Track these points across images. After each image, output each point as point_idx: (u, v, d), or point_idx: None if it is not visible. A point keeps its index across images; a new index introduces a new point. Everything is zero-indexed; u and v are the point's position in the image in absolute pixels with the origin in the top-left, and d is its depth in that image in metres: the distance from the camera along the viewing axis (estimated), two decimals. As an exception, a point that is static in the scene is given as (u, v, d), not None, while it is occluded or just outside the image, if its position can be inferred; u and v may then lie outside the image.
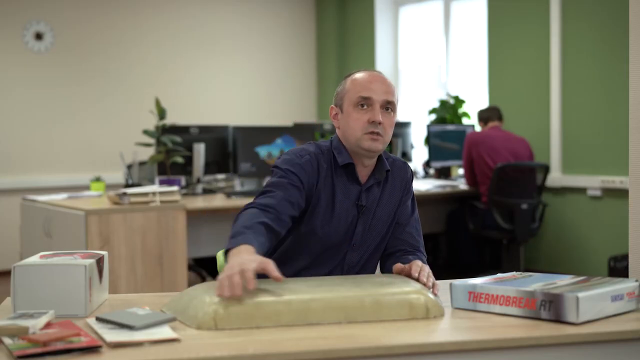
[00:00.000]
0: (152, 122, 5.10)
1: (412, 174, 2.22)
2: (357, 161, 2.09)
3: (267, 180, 2.05)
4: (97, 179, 4.90)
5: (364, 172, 2.11)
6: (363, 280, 1.80)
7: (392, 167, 2.16)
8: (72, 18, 6.52)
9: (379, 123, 2.01)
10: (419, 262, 1.89)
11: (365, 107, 2.02)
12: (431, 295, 1.67)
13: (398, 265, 1.92)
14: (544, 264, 5.77)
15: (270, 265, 1.64)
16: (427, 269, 1.87)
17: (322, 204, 2.06)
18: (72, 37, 6.52)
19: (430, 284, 1.80)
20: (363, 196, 2.09)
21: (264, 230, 1.84)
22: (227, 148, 4.96)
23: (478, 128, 5.73)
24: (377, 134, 2.02)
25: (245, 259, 1.64)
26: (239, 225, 1.82)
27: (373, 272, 2.17)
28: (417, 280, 1.80)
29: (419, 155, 6.54)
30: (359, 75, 2.09)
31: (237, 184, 4.96)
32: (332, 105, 2.14)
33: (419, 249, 2.14)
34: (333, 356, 1.42)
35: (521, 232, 5.07)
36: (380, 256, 2.18)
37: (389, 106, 2.04)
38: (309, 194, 2.04)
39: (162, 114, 4.45)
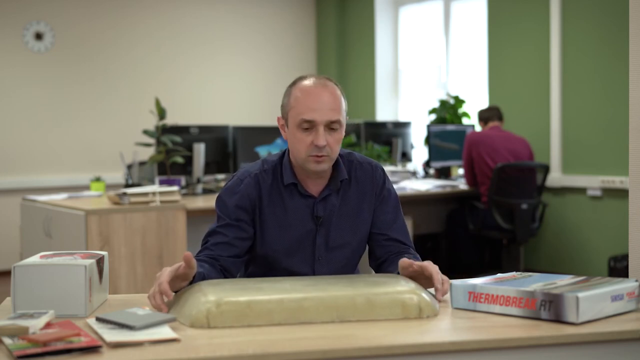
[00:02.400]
0: (152, 122, 5.10)
1: (383, 177, 2.12)
2: (306, 177, 2.04)
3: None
4: (97, 179, 4.90)
5: (316, 184, 2.05)
6: (357, 279, 1.79)
7: (356, 171, 2.09)
8: (72, 18, 6.52)
9: (323, 146, 1.95)
10: (436, 268, 1.79)
11: (308, 129, 1.95)
12: (425, 295, 1.67)
13: (405, 260, 1.82)
14: (544, 264, 5.77)
15: (183, 262, 1.71)
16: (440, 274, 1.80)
17: (271, 223, 2.03)
18: (72, 37, 6.52)
19: (446, 288, 1.76)
20: (318, 207, 2.04)
21: (208, 266, 1.95)
22: (227, 148, 4.96)
23: (478, 128, 5.73)
24: (322, 155, 1.96)
25: (163, 271, 1.72)
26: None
27: None
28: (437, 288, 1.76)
29: (419, 155, 6.54)
30: (302, 89, 1.97)
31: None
32: (279, 116, 2.05)
33: (411, 251, 2.08)
34: (332, 356, 1.42)
35: (521, 232, 5.07)
36: (354, 266, 2.14)
37: (333, 125, 1.96)
38: (254, 217, 2.04)
39: (162, 114, 4.45)
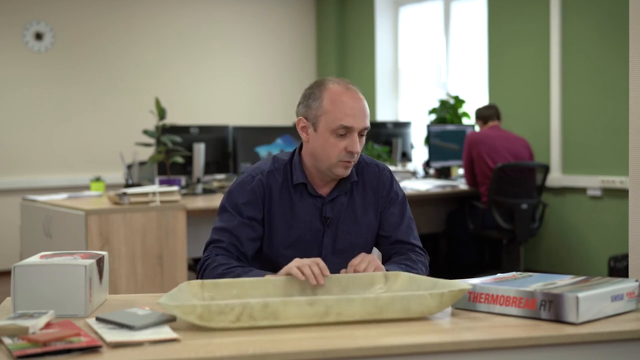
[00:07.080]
0: (152, 122, 5.10)
1: (391, 179, 2.14)
2: (317, 178, 2.06)
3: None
4: (97, 179, 4.90)
5: (326, 185, 2.07)
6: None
7: (363, 172, 2.12)
8: (72, 18, 6.52)
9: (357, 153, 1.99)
10: (359, 257, 1.91)
11: (343, 135, 1.98)
12: None
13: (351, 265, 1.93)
14: (544, 264, 5.77)
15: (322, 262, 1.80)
16: (364, 261, 1.89)
17: (280, 221, 2.04)
18: (72, 37, 6.52)
19: (361, 268, 1.86)
20: (327, 208, 2.06)
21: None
22: (227, 148, 4.96)
23: (478, 128, 5.73)
24: (352, 161, 2.01)
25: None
26: (236, 271, 1.93)
27: None
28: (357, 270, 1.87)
29: (419, 155, 6.54)
30: (337, 94, 1.98)
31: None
32: (301, 117, 2.03)
33: (416, 250, 2.10)
34: (332, 356, 1.42)
35: (521, 232, 5.07)
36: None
37: (364, 132, 2.02)
38: (263, 215, 2.05)
39: (162, 114, 4.45)
